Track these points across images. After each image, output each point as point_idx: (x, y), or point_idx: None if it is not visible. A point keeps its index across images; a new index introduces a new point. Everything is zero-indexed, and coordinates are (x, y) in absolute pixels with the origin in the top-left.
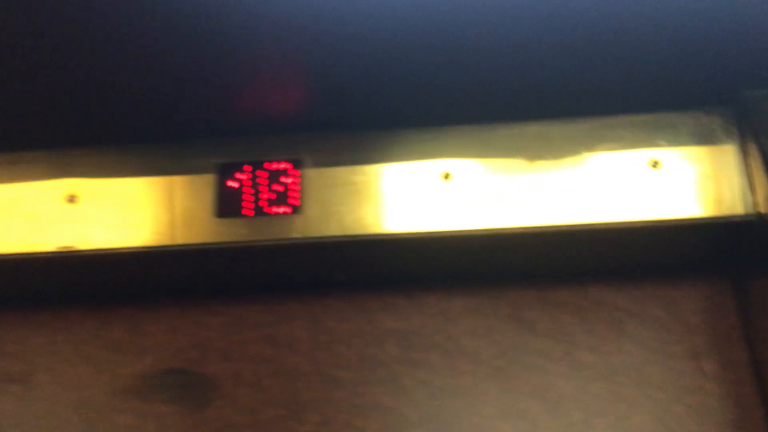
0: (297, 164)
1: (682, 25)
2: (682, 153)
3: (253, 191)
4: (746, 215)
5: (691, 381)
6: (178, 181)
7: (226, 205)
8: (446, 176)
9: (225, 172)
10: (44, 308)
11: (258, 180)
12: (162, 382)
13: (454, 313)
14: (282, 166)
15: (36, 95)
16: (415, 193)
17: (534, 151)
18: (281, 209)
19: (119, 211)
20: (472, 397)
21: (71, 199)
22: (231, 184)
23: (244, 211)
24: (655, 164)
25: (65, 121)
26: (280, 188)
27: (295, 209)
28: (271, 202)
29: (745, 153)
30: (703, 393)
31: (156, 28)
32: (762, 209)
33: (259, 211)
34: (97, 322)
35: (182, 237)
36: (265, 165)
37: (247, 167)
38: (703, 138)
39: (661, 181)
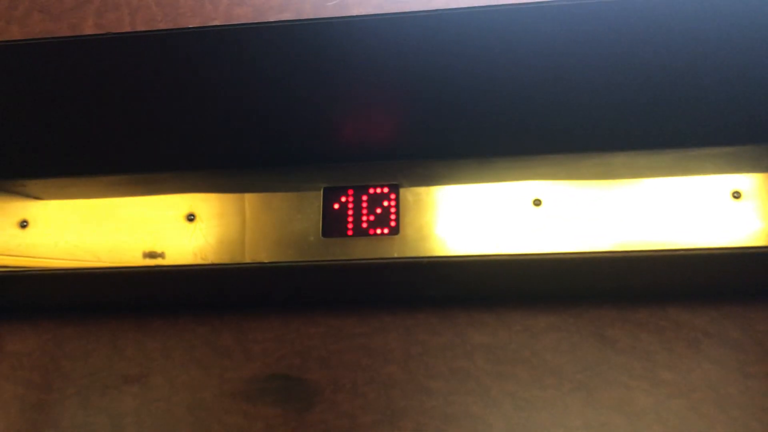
0: (395, 189)
1: (762, 65)
2: (762, 184)
3: (355, 213)
4: None
5: (767, 400)
6: (288, 203)
7: (331, 225)
8: (537, 202)
9: (330, 195)
10: (158, 315)
11: (360, 203)
12: (267, 386)
13: (538, 330)
14: (381, 190)
15: (160, 123)
16: (507, 218)
17: (620, 180)
18: (380, 231)
19: (234, 230)
20: (557, 409)
21: (190, 217)
22: (336, 206)
23: (347, 232)
24: (736, 195)
25: (188, 146)
26: (379, 211)
27: (393, 231)
28: (371, 224)
29: None
30: None
31: (271, 70)
32: None
33: (361, 232)
34: (206, 329)
35: (292, 254)
36: (367, 189)
37: (350, 191)
38: None
39: (741, 211)
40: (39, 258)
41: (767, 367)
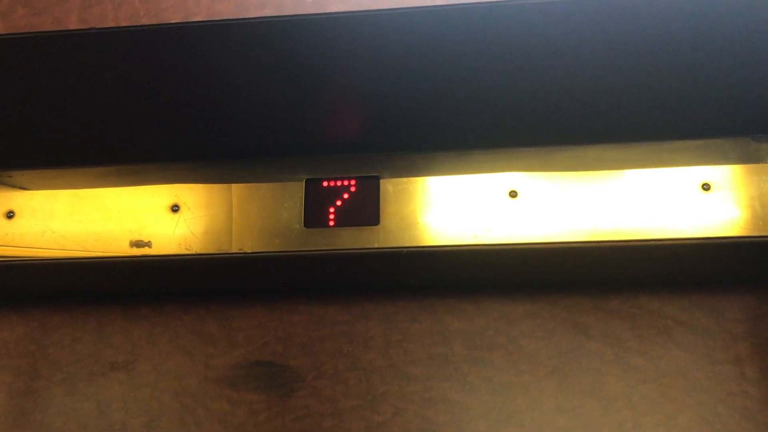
0: (375, 180)
1: (734, 59)
2: (731, 177)
3: (336, 204)
4: None
5: (734, 385)
6: (271, 194)
7: (313, 216)
8: (513, 194)
9: (312, 186)
10: (144, 304)
11: (341, 194)
12: (251, 373)
13: (514, 317)
14: (362, 181)
15: (145, 116)
16: (484, 209)
17: (594, 172)
18: (361, 221)
19: (217, 221)
20: (531, 393)
21: (174, 208)
22: (317, 197)
23: (329, 222)
24: (705, 187)
25: (172, 138)
26: (360, 202)
27: (373, 221)
28: (352, 215)
29: None
30: (745, 396)
31: (252, 65)
32: None
33: (342, 223)
34: (191, 317)
35: (275, 245)
36: (348, 180)
37: (331, 182)
38: (752, 162)
39: (711, 202)
40: (26, 248)
41: (735, 353)
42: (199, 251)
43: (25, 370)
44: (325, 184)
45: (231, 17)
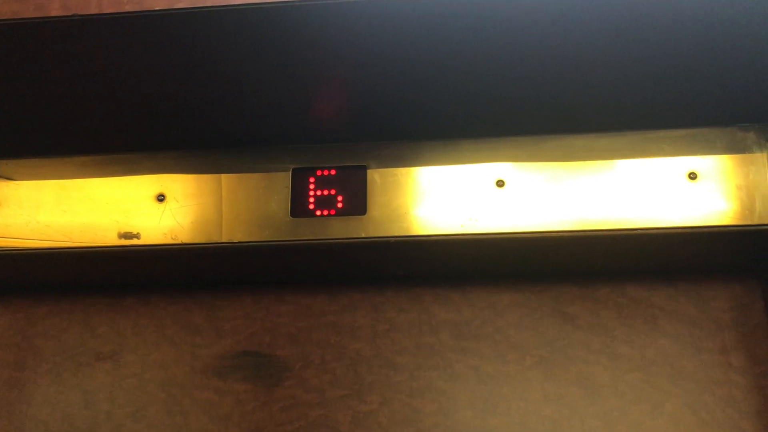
0: (362, 170)
1: (721, 49)
2: (717, 166)
3: (323, 194)
4: None
5: (719, 373)
6: (258, 184)
7: (300, 206)
8: (500, 183)
9: (299, 176)
10: (130, 294)
11: (328, 183)
12: (238, 363)
13: (501, 307)
14: (349, 171)
15: (131, 104)
16: (471, 198)
17: (581, 162)
18: (348, 211)
19: (204, 210)
20: (518, 383)
21: (160, 198)
22: (304, 187)
23: (316, 212)
24: (692, 176)
25: (158, 128)
26: (347, 191)
27: (360, 211)
28: (339, 204)
29: None
30: (731, 384)
31: (238, 52)
32: None
33: (329, 212)
34: (178, 307)
35: (261, 234)
36: (334, 170)
37: (318, 172)
38: (738, 152)
39: (697, 191)
40: (11, 238)
41: (721, 342)
42: (185, 241)
43: (11, 361)
44: (311, 173)
45: (216, 4)
